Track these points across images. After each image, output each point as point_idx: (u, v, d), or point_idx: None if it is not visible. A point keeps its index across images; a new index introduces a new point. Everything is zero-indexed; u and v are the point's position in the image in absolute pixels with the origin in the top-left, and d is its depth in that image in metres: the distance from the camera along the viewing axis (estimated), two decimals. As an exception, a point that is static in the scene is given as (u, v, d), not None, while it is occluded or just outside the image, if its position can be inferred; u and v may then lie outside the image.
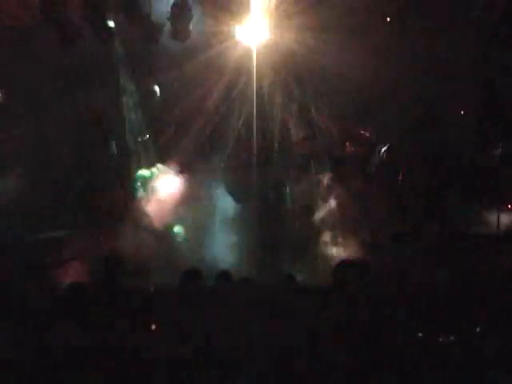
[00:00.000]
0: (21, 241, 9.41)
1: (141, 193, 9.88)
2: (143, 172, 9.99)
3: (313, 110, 10.51)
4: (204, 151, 10.52)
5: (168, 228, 9.74)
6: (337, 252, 9.19)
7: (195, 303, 6.01)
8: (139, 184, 9.89)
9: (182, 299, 6.16)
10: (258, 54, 9.85)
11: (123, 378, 5.48)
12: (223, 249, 9.23)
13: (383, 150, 10.47)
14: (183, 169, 10.05)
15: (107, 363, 5.49)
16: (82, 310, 5.96)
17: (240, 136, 9.05)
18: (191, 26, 8.87)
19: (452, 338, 5.23)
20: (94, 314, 5.95)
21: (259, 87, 8.60)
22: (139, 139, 9.94)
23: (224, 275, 6.28)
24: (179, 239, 9.74)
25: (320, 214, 10.24)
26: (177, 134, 10.47)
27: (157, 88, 10.42)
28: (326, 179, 10.44)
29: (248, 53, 9.46)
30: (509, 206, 9.43)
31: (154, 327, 5.83)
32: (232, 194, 9.12)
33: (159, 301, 6.38)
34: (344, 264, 6.11)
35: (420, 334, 5.26)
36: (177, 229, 9.69)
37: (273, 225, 9.07)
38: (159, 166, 10.02)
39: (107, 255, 7.19)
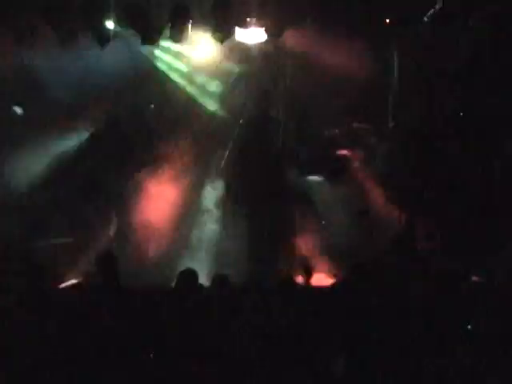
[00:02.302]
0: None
1: None
2: None
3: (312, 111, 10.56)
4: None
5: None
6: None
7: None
8: None
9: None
10: (257, 54, 9.87)
11: (124, 377, 5.48)
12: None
13: (384, 150, 10.52)
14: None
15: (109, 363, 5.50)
16: (83, 310, 5.96)
17: (240, 137, 9.02)
18: (190, 27, 8.84)
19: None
20: (94, 314, 5.96)
21: (259, 88, 8.59)
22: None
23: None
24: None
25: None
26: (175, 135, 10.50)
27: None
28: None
29: (248, 53, 9.47)
30: None
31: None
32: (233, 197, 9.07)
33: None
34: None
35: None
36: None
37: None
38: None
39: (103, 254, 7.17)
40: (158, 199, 9.79)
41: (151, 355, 5.57)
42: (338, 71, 9.96)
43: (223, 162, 10.37)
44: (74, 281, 7.80)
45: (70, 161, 9.81)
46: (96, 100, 9.79)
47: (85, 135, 9.91)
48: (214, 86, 10.30)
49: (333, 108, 10.73)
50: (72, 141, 9.85)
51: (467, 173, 9.19)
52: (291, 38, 9.47)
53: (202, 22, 8.67)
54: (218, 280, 6.22)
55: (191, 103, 10.27)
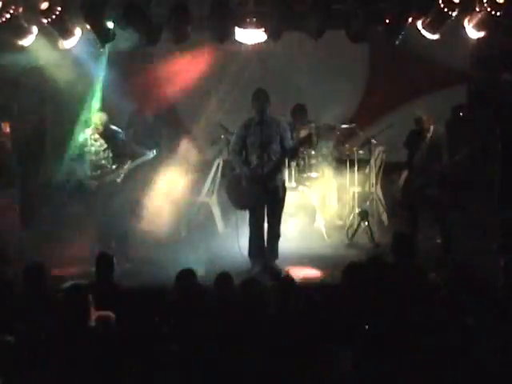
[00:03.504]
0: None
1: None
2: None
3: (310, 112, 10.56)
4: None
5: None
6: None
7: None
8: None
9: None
10: (256, 55, 9.83)
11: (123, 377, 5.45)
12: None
13: (382, 150, 10.53)
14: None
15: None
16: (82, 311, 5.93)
17: (237, 140, 8.98)
18: (190, 28, 8.82)
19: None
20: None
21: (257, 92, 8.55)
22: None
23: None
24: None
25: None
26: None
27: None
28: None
29: (246, 55, 9.45)
30: None
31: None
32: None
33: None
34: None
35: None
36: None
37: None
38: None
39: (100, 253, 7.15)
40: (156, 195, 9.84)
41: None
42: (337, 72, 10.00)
43: (222, 162, 10.42)
44: (72, 281, 7.73)
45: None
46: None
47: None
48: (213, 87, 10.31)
49: (331, 109, 10.78)
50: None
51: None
52: (290, 39, 9.49)
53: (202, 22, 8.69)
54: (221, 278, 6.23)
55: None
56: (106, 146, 9.35)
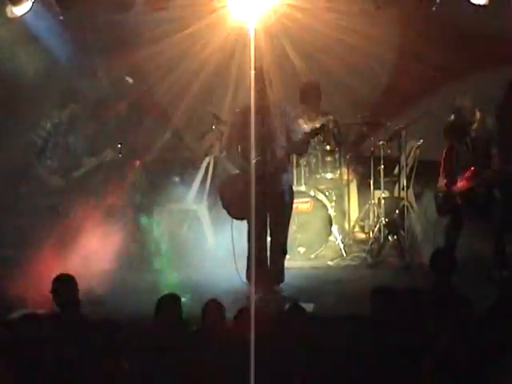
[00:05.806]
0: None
1: None
2: None
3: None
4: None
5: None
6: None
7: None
8: None
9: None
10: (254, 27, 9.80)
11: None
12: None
13: (415, 146, 10.52)
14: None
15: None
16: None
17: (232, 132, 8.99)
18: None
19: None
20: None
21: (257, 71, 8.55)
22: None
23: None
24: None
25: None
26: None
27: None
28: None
29: (243, 26, 9.41)
30: None
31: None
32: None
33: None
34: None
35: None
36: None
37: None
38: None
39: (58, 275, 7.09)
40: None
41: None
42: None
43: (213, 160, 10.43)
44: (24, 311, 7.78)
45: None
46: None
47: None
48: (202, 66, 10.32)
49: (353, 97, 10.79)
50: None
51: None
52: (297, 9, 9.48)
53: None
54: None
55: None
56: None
